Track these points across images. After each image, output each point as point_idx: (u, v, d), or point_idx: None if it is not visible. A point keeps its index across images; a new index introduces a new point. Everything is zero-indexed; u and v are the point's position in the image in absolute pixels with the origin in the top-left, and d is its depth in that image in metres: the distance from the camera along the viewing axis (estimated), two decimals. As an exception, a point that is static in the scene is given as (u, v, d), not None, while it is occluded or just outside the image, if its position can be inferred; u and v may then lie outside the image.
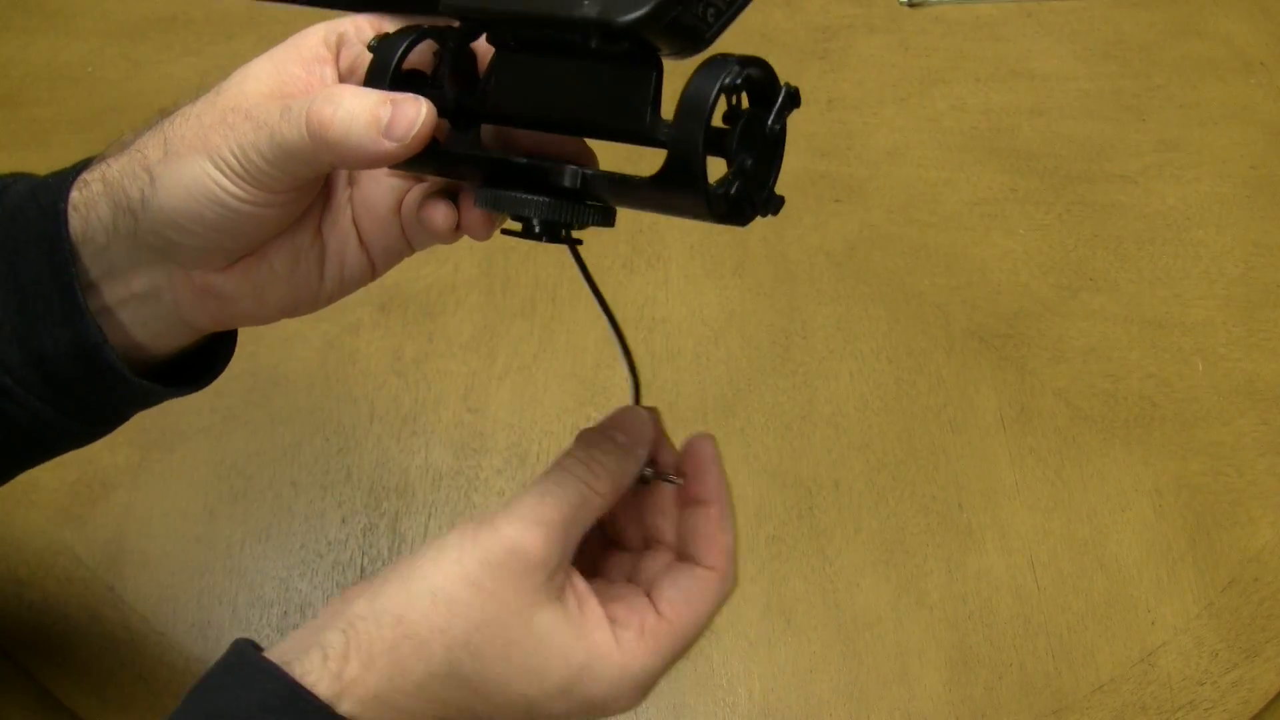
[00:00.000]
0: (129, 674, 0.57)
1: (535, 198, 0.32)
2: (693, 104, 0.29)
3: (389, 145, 0.32)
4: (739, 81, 0.29)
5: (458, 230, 0.37)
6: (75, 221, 0.38)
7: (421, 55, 0.36)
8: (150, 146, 0.37)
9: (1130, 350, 0.73)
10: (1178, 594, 0.62)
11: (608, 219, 0.34)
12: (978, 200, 0.81)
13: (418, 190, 0.39)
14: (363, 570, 0.61)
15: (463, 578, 0.34)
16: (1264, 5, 0.96)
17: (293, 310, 0.40)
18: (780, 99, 0.31)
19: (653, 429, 0.40)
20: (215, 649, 0.58)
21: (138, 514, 0.63)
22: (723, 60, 0.29)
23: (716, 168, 0.30)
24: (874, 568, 0.63)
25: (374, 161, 0.33)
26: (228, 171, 0.34)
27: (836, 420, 0.69)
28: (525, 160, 0.34)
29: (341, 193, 0.40)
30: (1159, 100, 0.89)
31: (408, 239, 0.40)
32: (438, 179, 0.38)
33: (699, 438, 0.41)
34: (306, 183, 0.36)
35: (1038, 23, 0.95)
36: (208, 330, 0.41)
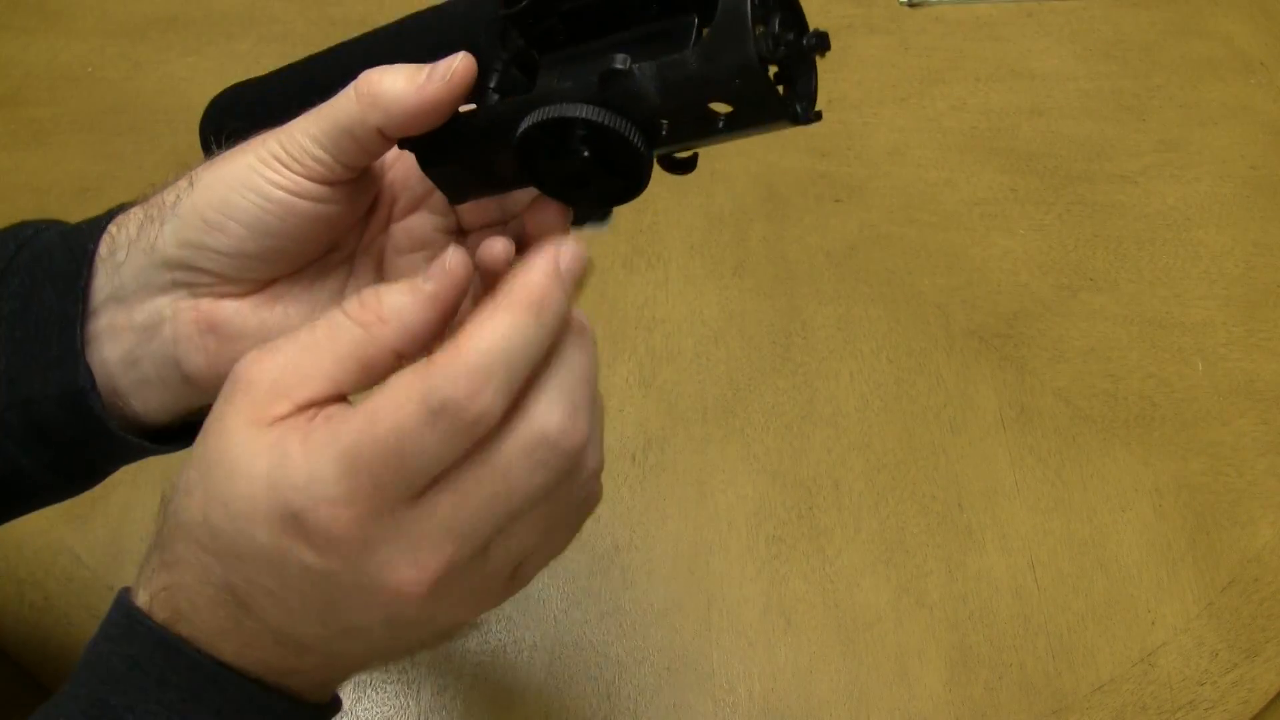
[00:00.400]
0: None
1: (581, 104, 0.31)
2: None
3: (430, 86, 0.32)
4: None
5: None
6: (103, 245, 0.37)
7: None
8: (201, 164, 0.36)
9: (1130, 350, 0.73)
10: (1178, 594, 0.62)
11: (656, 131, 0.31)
12: (978, 200, 0.82)
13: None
14: (363, 570, 0.61)
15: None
16: (1264, 5, 0.96)
17: None
18: (811, 29, 0.32)
19: (455, 266, 0.31)
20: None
21: (138, 514, 0.63)
22: None
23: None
24: (874, 568, 0.63)
25: (418, 107, 0.32)
26: (271, 160, 0.34)
27: (836, 420, 0.69)
28: (568, 83, 0.32)
29: (370, 266, 0.39)
30: (1159, 100, 0.89)
31: None
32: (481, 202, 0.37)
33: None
34: (346, 173, 0.35)
35: (1038, 23, 0.95)
36: (198, 381, 0.38)
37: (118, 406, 0.38)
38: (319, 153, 0.34)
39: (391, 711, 0.57)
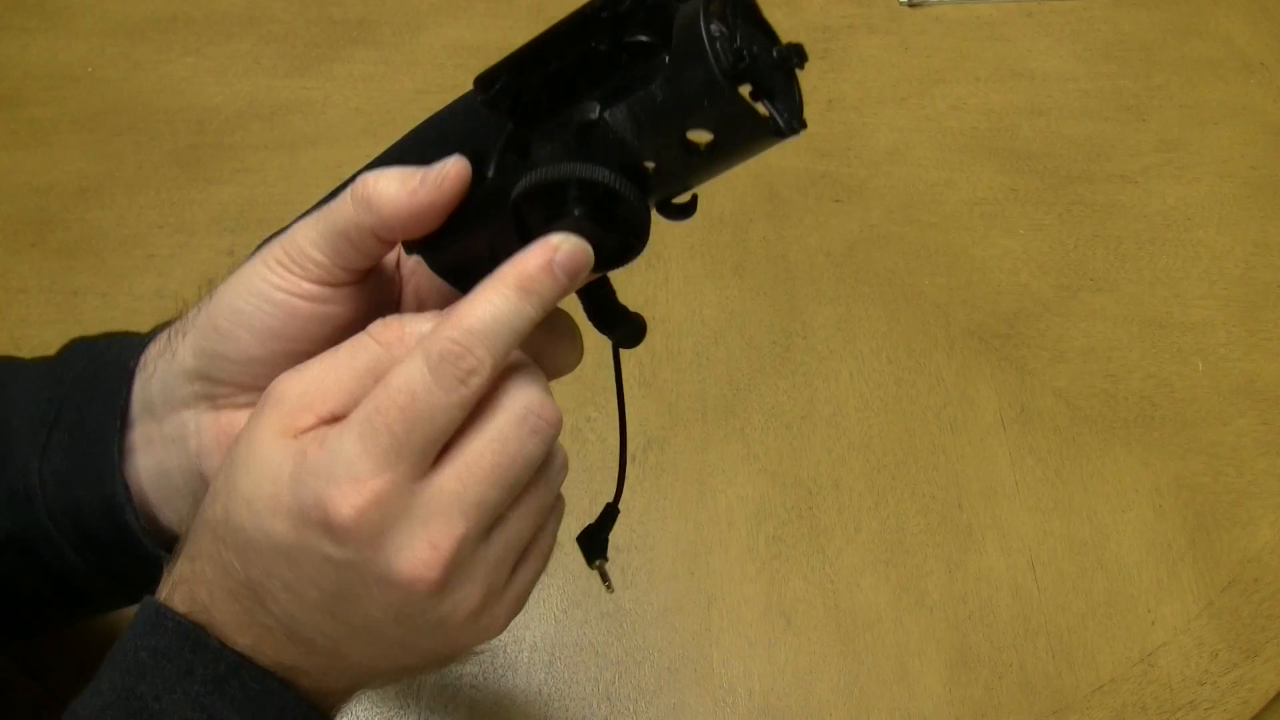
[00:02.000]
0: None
1: (573, 163, 0.31)
2: (689, 4, 0.29)
3: (424, 192, 0.33)
4: None
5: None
6: (140, 359, 0.39)
7: None
8: (221, 280, 0.38)
9: (1130, 350, 0.73)
10: (1178, 594, 0.62)
11: (643, 185, 0.32)
12: (978, 200, 0.82)
13: None
14: (363, 570, 0.61)
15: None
16: (1264, 5, 0.96)
17: None
18: (784, 44, 0.31)
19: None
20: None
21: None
22: None
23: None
24: (874, 568, 0.63)
25: (412, 213, 0.33)
26: (274, 265, 0.35)
27: (836, 420, 0.69)
28: (549, 147, 0.32)
29: None
30: (1159, 100, 0.89)
31: None
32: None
33: None
34: (348, 276, 0.36)
35: (1038, 23, 0.95)
36: None
37: (152, 518, 0.39)
38: (318, 255, 0.35)
39: (391, 711, 0.57)
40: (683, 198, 0.34)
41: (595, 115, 0.30)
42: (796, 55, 0.30)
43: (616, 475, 0.40)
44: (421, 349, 0.30)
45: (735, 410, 0.69)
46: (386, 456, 0.30)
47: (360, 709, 0.57)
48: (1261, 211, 0.81)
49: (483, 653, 0.59)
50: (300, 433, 0.31)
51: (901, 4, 0.96)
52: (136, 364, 0.39)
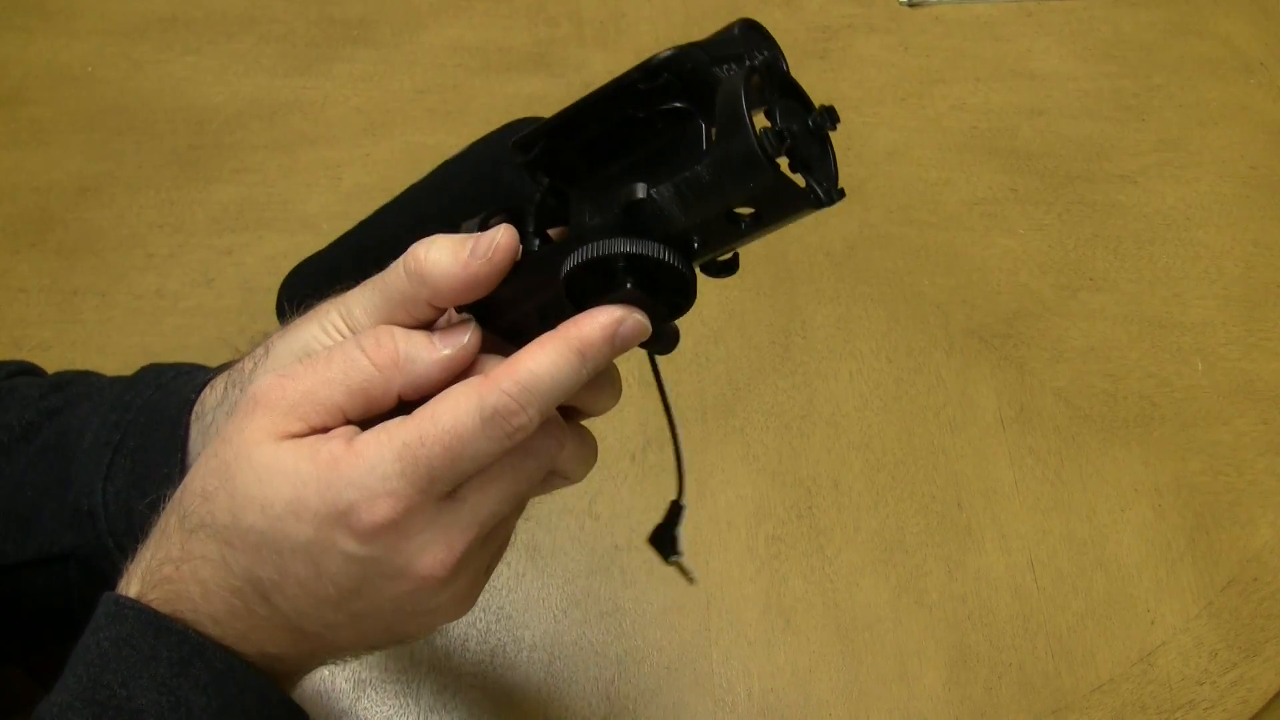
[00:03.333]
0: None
1: (616, 239, 0.32)
2: (728, 83, 0.30)
3: (475, 264, 0.34)
4: (756, 63, 0.31)
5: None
6: (197, 406, 0.40)
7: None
8: (276, 334, 0.39)
9: (1130, 350, 0.73)
10: (1177, 594, 0.62)
11: (689, 259, 0.33)
12: (978, 200, 0.82)
13: None
14: (362, 570, 0.61)
15: (215, 431, 0.35)
16: (1264, 5, 0.96)
17: None
18: (818, 107, 0.32)
19: (470, 343, 0.35)
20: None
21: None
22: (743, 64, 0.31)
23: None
24: (873, 568, 0.63)
25: (465, 285, 0.34)
26: (331, 330, 0.37)
27: (836, 420, 0.69)
28: (597, 220, 0.34)
29: None
30: (1159, 100, 0.89)
31: None
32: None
33: None
34: None
35: (1038, 23, 0.95)
36: None
37: None
38: (372, 324, 0.36)
39: (391, 711, 0.57)
40: (725, 256, 0.35)
41: (643, 195, 0.32)
42: (830, 119, 0.32)
43: (676, 473, 0.42)
44: (477, 395, 0.32)
45: (735, 410, 0.69)
46: (422, 482, 0.32)
47: (360, 709, 0.57)
48: (1261, 211, 0.81)
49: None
50: (290, 436, 0.33)
51: (901, 4, 0.96)
52: (197, 398, 0.40)
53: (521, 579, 0.62)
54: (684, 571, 0.45)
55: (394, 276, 0.35)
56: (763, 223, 0.32)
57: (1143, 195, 0.82)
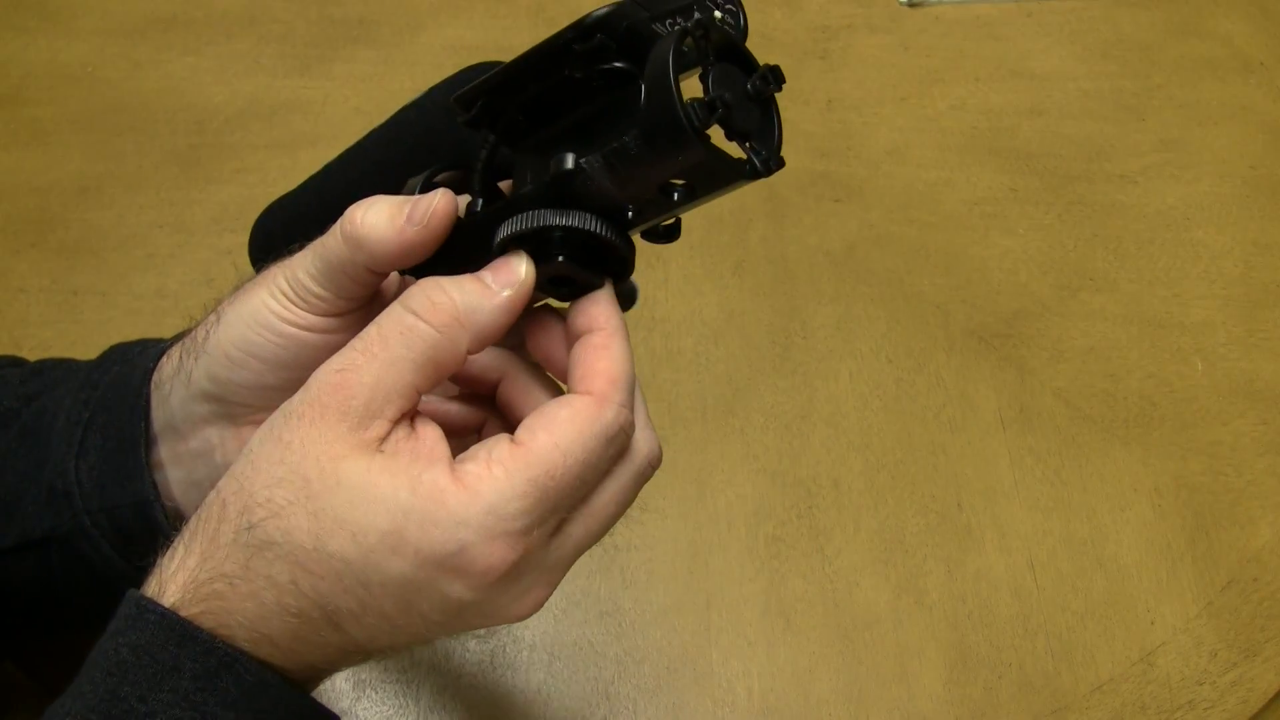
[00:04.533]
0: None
1: (546, 211, 0.31)
2: (657, 48, 0.29)
3: (410, 230, 0.33)
4: (690, 23, 0.29)
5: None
6: (155, 376, 0.39)
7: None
8: (226, 298, 0.38)
9: (1130, 350, 0.73)
10: (1177, 594, 0.63)
11: (620, 227, 0.32)
12: (978, 200, 0.82)
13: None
14: (362, 570, 0.61)
15: (266, 430, 0.32)
16: (1264, 5, 0.96)
17: None
18: (760, 68, 0.31)
19: (528, 276, 0.33)
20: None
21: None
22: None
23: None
24: (873, 568, 0.63)
25: (401, 250, 0.33)
26: (280, 297, 0.36)
27: (836, 420, 0.69)
28: (529, 188, 0.33)
29: None
30: (1159, 100, 0.89)
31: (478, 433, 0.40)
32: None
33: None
34: (349, 305, 0.36)
35: (1038, 23, 0.95)
36: None
37: (183, 520, 0.39)
38: (318, 289, 0.35)
39: (391, 711, 0.57)
40: (667, 222, 0.34)
41: (572, 165, 0.30)
42: (773, 79, 0.30)
43: None
44: (597, 414, 0.31)
45: (735, 410, 0.69)
46: (544, 515, 0.30)
47: (360, 709, 0.57)
48: (1261, 211, 0.81)
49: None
50: (377, 441, 0.30)
51: (901, 4, 0.96)
52: (154, 366, 0.40)
53: (521, 579, 0.62)
54: None
55: (332, 240, 0.34)
56: (696, 194, 0.31)
57: (1143, 195, 0.82)
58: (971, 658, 0.60)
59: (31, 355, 0.50)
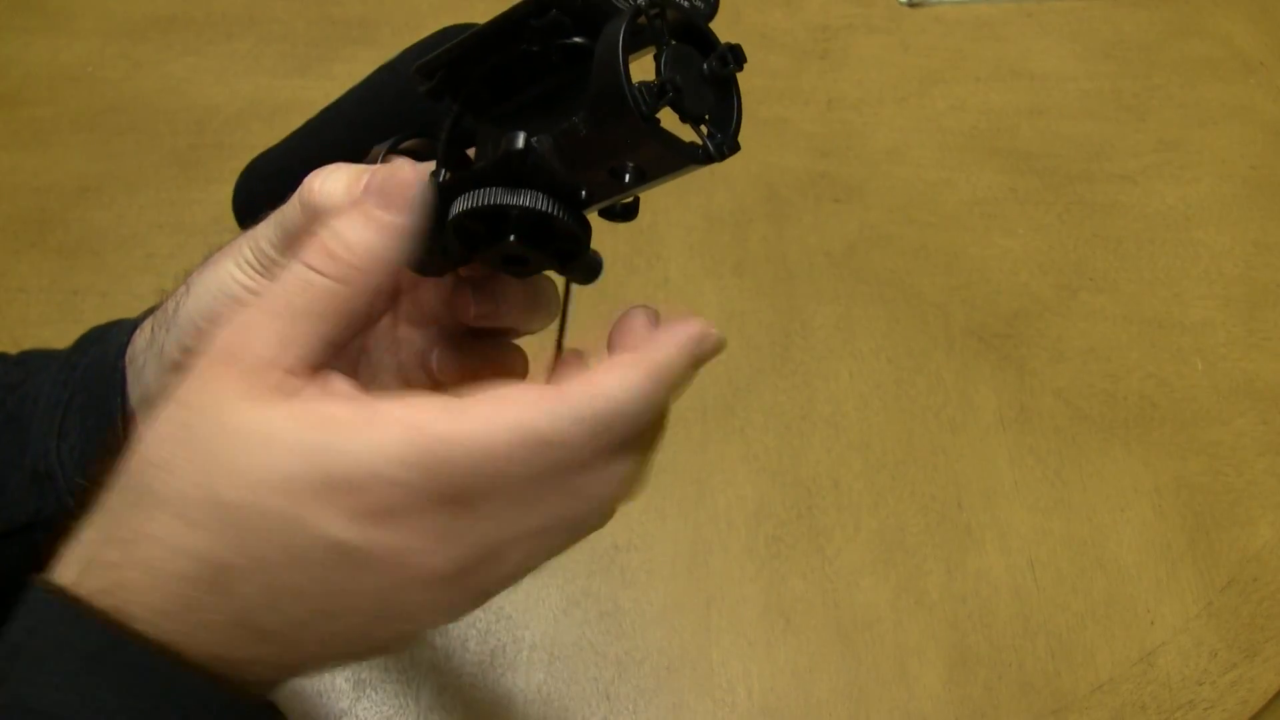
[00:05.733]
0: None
1: (498, 189, 0.31)
2: (608, 28, 0.28)
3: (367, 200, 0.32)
4: (646, 1, 0.28)
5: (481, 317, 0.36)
6: (130, 349, 0.39)
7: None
8: (196, 269, 0.37)
9: (1130, 350, 0.73)
10: (1177, 594, 0.62)
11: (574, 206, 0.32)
12: (978, 200, 0.82)
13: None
14: (362, 570, 0.61)
15: (158, 391, 0.30)
16: (1264, 5, 0.96)
17: None
18: (719, 48, 0.30)
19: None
20: (215, 648, 0.58)
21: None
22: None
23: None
24: (873, 567, 0.63)
25: None
26: (244, 267, 0.35)
27: (836, 420, 0.69)
28: (482, 165, 0.32)
29: (383, 345, 0.39)
30: (1159, 100, 0.89)
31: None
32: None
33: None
34: None
35: (1038, 23, 0.95)
36: None
37: None
38: (279, 258, 0.34)
39: (391, 711, 0.57)
40: (625, 200, 0.34)
41: (521, 145, 0.30)
42: (732, 59, 0.29)
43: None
44: (531, 415, 0.27)
45: (735, 410, 0.69)
46: (436, 493, 0.27)
47: (360, 709, 0.57)
48: (1261, 211, 0.81)
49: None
50: (272, 389, 0.29)
51: (901, 4, 0.96)
52: (129, 341, 0.39)
53: (521, 579, 0.62)
54: None
55: (291, 209, 0.34)
56: (647, 178, 0.30)
57: (1143, 195, 0.82)
58: (971, 658, 0.60)
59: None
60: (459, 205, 0.31)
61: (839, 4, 0.95)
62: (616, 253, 0.76)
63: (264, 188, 0.44)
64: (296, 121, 0.50)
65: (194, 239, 0.76)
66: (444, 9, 0.93)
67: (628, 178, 0.30)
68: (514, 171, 0.31)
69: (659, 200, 0.79)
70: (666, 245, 0.77)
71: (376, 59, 0.45)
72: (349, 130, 0.41)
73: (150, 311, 0.40)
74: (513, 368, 0.38)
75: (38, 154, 0.81)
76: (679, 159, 0.29)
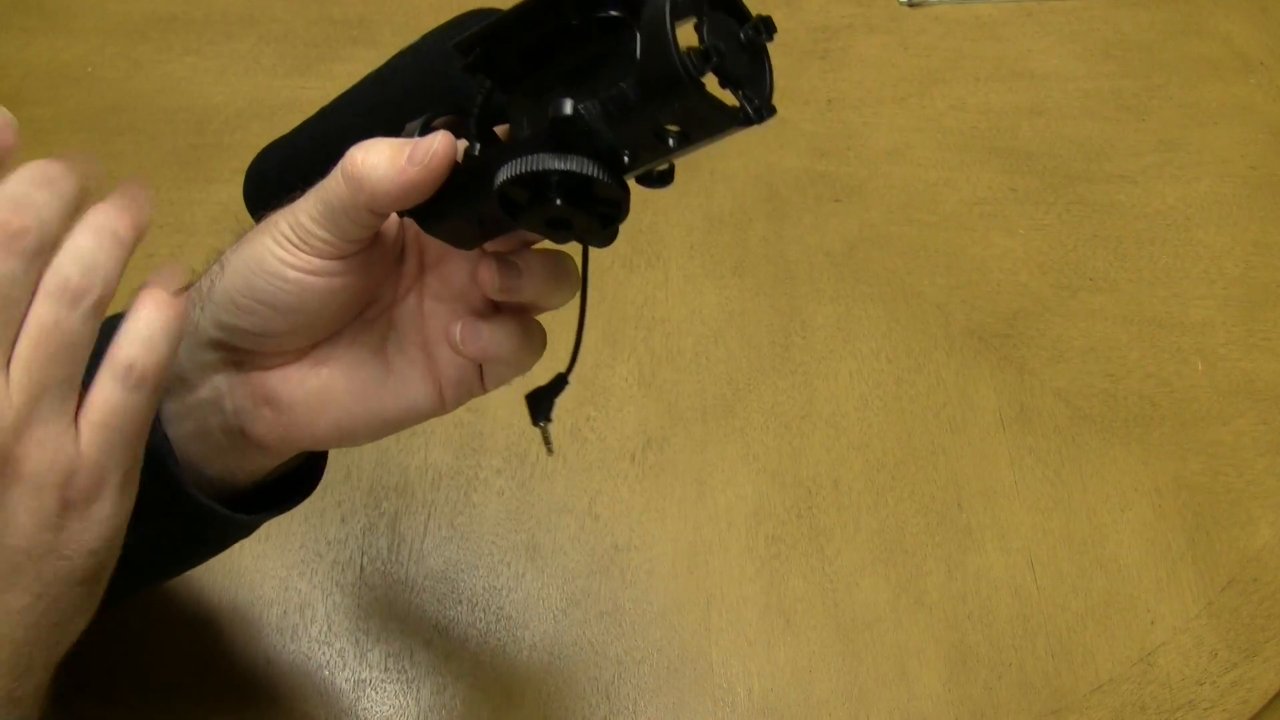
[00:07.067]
0: (127, 673, 0.57)
1: (544, 155, 0.32)
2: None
3: (411, 170, 0.34)
4: None
5: (507, 290, 0.37)
6: None
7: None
8: (229, 248, 0.38)
9: (1130, 350, 0.73)
10: (1177, 594, 0.63)
11: (616, 169, 0.33)
12: (978, 200, 0.82)
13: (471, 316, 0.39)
14: (362, 569, 0.61)
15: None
16: (1264, 5, 0.96)
17: (351, 433, 0.40)
18: (753, 19, 0.32)
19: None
20: (214, 649, 0.58)
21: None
22: None
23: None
24: (873, 567, 0.63)
25: (401, 190, 0.34)
26: (283, 241, 0.36)
27: (836, 420, 0.69)
28: (527, 133, 0.34)
29: (410, 319, 0.40)
30: (1159, 100, 0.89)
31: (478, 370, 0.40)
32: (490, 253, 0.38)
33: None
34: (352, 247, 0.37)
35: (1038, 23, 0.95)
36: (267, 446, 0.40)
37: (197, 473, 0.40)
38: (321, 232, 0.36)
39: (391, 711, 0.57)
40: (662, 166, 0.35)
41: (570, 111, 0.31)
42: (765, 29, 0.31)
43: (572, 352, 0.42)
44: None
45: (735, 410, 0.69)
46: None
47: (360, 709, 0.57)
48: (1261, 211, 0.81)
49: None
50: None
51: (901, 4, 0.96)
52: None
53: (521, 579, 0.62)
54: (546, 440, 0.44)
55: (334, 183, 0.35)
56: (691, 140, 0.32)
57: (1143, 195, 0.82)
58: (971, 658, 0.60)
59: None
60: (506, 172, 0.33)
61: (839, 4, 0.95)
62: (616, 252, 0.76)
63: (277, 173, 0.45)
64: (296, 121, 0.50)
65: (194, 239, 0.76)
66: (443, 9, 0.92)
67: (672, 141, 0.31)
68: (562, 137, 0.32)
69: (659, 200, 0.79)
70: (666, 245, 0.77)
71: (376, 59, 0.45)
72: (370, 112, 0.42)
73: (179, 293, 0.41)
74: (533, 342, 0.39)
75: (38, 154, 0.81)
76: (723, 121, 0.31)
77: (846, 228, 0.79)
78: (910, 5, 0.96)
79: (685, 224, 0.77)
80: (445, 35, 0.37)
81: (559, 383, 0.43)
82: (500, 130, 0.37)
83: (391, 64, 0.42)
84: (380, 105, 0.41)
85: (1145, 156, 0.85)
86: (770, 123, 0.31)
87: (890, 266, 0.77)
